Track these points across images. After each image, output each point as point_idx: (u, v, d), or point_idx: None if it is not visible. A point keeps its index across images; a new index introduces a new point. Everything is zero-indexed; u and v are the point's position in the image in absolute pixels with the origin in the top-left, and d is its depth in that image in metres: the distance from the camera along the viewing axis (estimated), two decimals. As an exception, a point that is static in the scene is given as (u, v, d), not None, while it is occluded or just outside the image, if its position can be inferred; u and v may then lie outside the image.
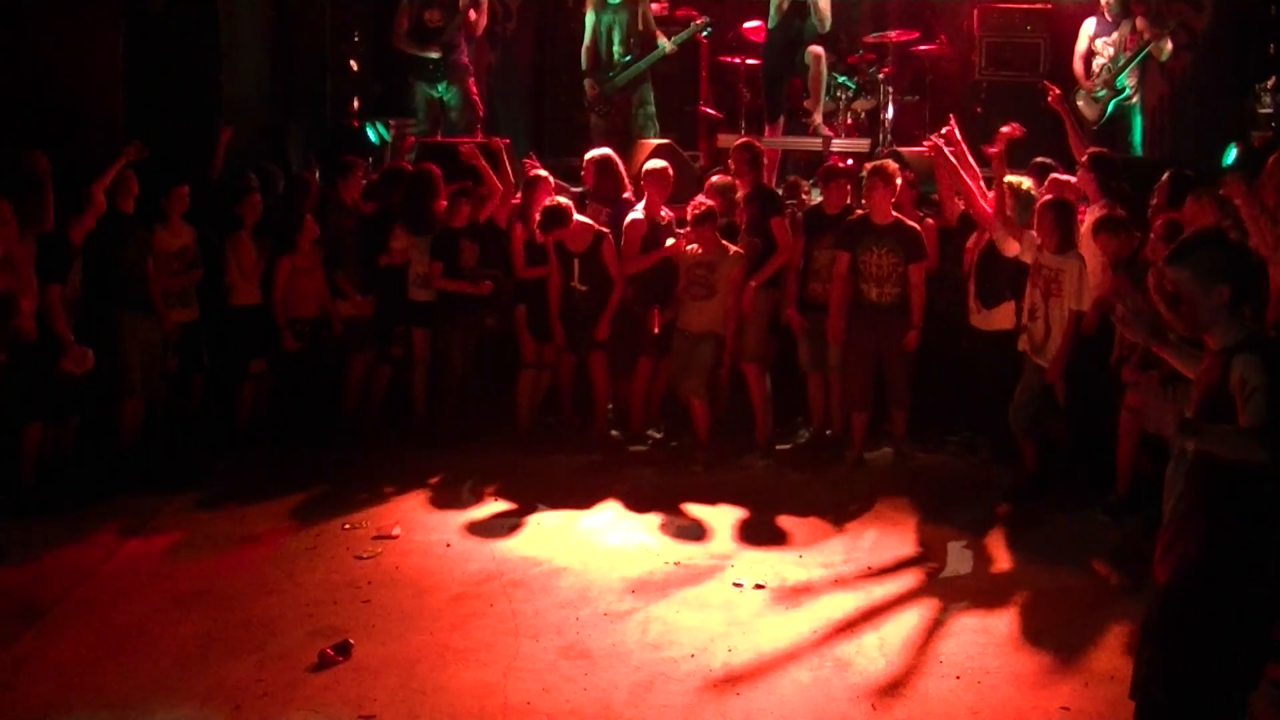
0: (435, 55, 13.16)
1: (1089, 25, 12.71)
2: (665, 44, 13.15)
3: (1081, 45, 12.69)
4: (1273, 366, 4.45)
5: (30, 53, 10.79)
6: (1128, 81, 12.29)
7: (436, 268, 10.15)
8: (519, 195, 10.59)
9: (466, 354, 10.38)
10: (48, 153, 8.96)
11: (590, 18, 13.24)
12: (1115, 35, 12.40)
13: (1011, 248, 9.22)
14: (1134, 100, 12.38)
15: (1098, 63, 12.50)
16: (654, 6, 14.35)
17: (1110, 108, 12.40)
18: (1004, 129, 10.11)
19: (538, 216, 10.11)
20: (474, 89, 13.44)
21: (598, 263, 10.04)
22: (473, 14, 13.39)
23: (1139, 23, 12.34)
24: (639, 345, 10.21)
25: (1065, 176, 9.72)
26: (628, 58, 13.15)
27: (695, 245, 9.89)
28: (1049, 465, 9.29)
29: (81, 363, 8.74)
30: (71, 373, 8.73)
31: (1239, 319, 4.62)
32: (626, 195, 10.58)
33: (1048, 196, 9.12)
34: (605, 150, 10.79)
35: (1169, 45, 12.27)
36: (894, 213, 9.71)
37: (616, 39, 13.16)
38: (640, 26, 13.11)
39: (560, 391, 10.67)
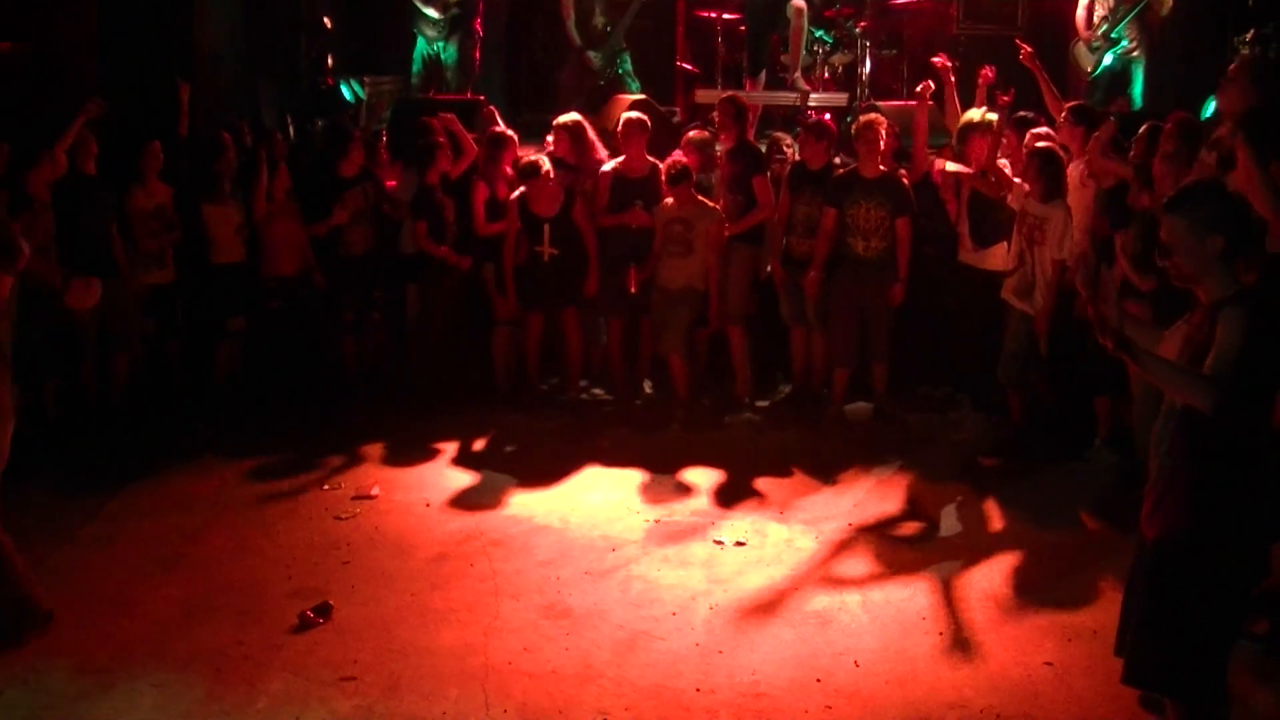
0: (435, 15, 13.09)
1: None
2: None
3: None
4: (1256, 323, 4.41)
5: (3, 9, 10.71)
6: (1126, 33, 12.21)
7: (421, 227, 10.10)
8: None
9: (449, 311, 10.36)
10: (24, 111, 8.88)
11: None
12: None
13: (992, 191, 9.28)
14: (1135, 53, 12.30)
15: (1098, 14, 12.43)
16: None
17: (1109, 59, 12.32)
18: (980, 80, 10.13)
19: (502, 174, 10.14)
20: (476, 53, 13.38)
21: (570, 226, 9.97)
22: None
23: None
24: (612, 304, 10.18)
25: (1044, 130, 9.67)
26: (609, 26, 13.13)
27: (669, 200, 9.86)
28: (1033, 418, 9.29)
29: (87, 294, 8.51)
30: (80, 308, 8.56)
31: (1231, 273, 4.58)
32: (600, 157, 10.47)
33: (1038, 145, 9.09)
34: (576, 116, 10.64)
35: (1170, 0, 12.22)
36: (881, 166, 9.67)
37: (598, 9, 13.10)
38: None
39: (526, 356, 10.48)
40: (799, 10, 12.83)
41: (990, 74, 10.40)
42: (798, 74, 13.12)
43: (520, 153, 10.49)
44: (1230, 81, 7.60)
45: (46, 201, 8.94)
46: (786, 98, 13.29)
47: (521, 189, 9.92)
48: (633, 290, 10.10)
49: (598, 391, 10.54)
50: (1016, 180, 9.16)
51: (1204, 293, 4.66)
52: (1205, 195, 4.70)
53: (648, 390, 10.60)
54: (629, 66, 13.38)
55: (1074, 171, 9.22)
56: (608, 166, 10.26)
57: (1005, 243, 9.46)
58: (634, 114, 10.36)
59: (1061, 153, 9.02)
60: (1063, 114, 9.61)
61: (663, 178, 9.94)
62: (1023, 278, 9.01)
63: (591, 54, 13.17)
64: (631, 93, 12.98)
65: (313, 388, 10.40)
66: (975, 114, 9.89)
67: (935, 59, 10.18)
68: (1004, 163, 9.49)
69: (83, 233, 9.28)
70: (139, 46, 11.23)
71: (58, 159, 9.03)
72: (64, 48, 10.92)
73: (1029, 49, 10.46)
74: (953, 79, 10.09)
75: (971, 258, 9.69)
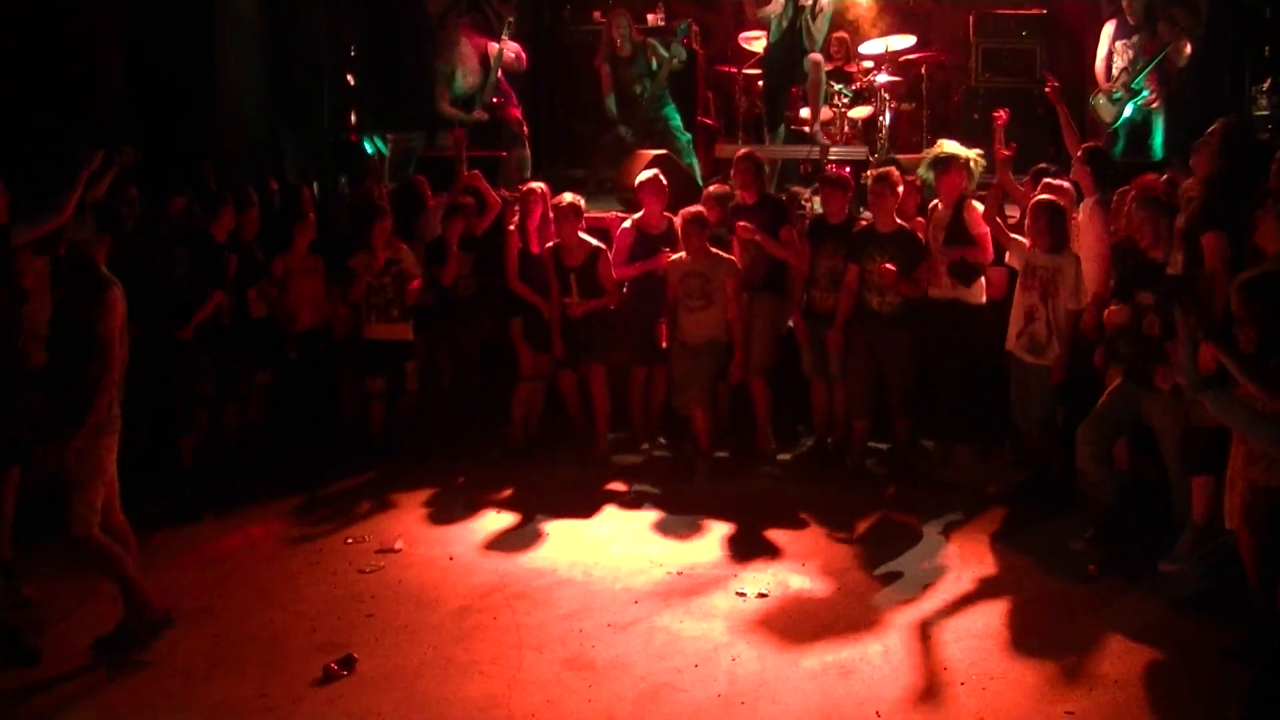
0: (481, 119, 13.24)
1: (1109, 28, 12.66)
2: (673, 55, 13.12)
3: (1103, 49, 12.65)
4: None
5: (36, 70, 10.84)
6: (1145, 84, 12.26)
7: (438, 270, 10.28)
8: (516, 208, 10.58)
9: (463, 366, 10.46)
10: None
11: (606, 69, 13.24)
12: (1136, 38, 12.37)
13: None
14: (1155, 104, 12.35)
15: (1117, 65, 12.49)
16: (650, 17, 14.46)
17: (1129, 110, 12.35)
18: (997, 122, 10.19)
19: (533, 229, 10.19)
20: (518, 114, 13.53)
21: (594, 278, 10.05)
22: (509, 55, 13.47)
23: (1160, 26, 12.33)
24: (636, 355, 10.24)
25: (1059, 181, 9.70)
26: (644, 92, 13.17)
27: (683, 254, 9.91)
28: (1061, 469, 9.24)
29: None
30: None
31: None
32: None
33: (1040, 197, 9.12)
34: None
35: (1188, 49, 12.26)
36: (897, 220, 9.70)
37: (639, 88, 13.14)
38: (654, 64, 13.11)
39: (567, 406, 10.60)
40: (816, 64, 12.90)
41: (1004, 116, 10.44)
42: (817, 127, 13.18)
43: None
44: (1203, 145, 7.70)
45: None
46: (807, 151, 13.34)
47: (552, 243, 10.08)
48: (664, 345, 10.16)
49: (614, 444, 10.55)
50: (1016, 237, 9.17)
51: None
52: None
53: (662, 441, 10.62)
54: (678, 121, 13.37)
55: (1084, 209, 9.31)
56: (627, 223, 10.37)
57: (983, 279, 9.58)
58: (652, 172, 10.43)
59: (1061, 203, 9.03)
60: (1078, 153, 9.65)
61: (678, 229, 10.00)
62: (1035, 335, 8.95)
63: (622, 128, 13.20)
64: (680, 144, 13.02)
65: (332, 440, 10.45)
66: (950, 146, 9.88)
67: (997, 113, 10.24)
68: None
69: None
70: (163, 103, 11.34)
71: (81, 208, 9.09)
72: (88, 104, 11.05)
73: (1056, 83, 10.44)
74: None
75: (942, 292, 9.75)
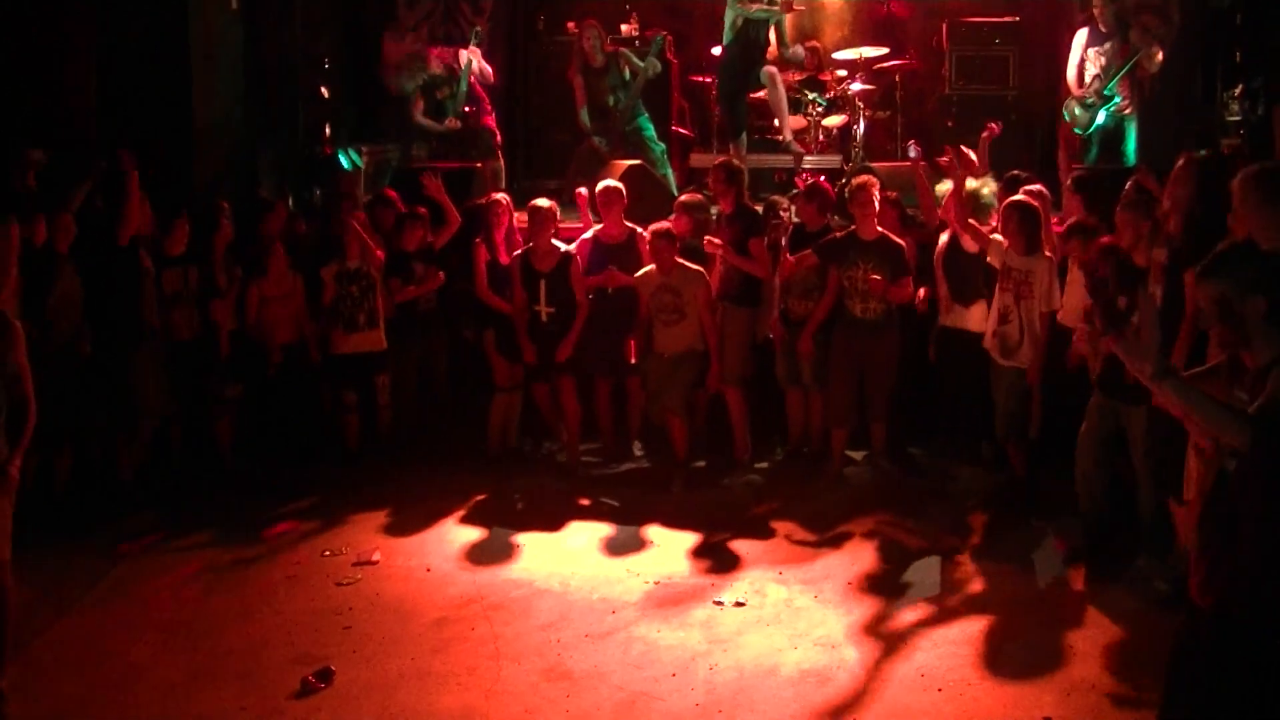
0: (455, 128, 13.28)
1: (1081, 36, 12.70)
2: (649, 67, 13.10)
3: (1075, 56, 12.69)
4: None
5: (5, 81, 10.84)
6: (1117, 90, 12.31)
7: (394, 284, 10.26)
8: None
9: (427, 379, 10.63)
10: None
11: (579, 81, 13.24)
12: (1108, 45, 12.42)
13: (971, 246, 9.36)
14: (1128, 110, 12.40)
15: (1089, 72, 12.53)
16: (625, 28, 14.46)
17: (1102, 116, 12.39)
18: (984, 133, 10.27)
19: (500, 240, 10.24)
20: (492, 123, 13.56)
21: (564, 284, 10.05)
22: (476, 67, 13.47)
23: (1131, 33, 12.38)
24: (599, 365, 10.27)
25: (1036, 186, 9.73)
26: (617, 104, 13.17)
27: (653, 268, 9.92)
28: (1034, 471, 9.27)
29: None
30: None
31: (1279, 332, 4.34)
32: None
33: (1013, 199, 9.14)
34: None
35: (1159, 55, 12.31)
36: (879, 228, 9.71)
37: (612, 99, 13.15)
38: (626, 75, 13.11)
39: (542, 414, 10.64)
40: (772, 76, 12.86)
41: (996, 129, 10.51)
42: (789, 135, 13.17)
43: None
44: (1179, 181, 7.72)
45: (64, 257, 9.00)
46: (780, 160, 13.36)
47: (523, 249, 10.07)
48: (633, 360, 10.15)
49: (591, 459, 10.55)
50: (996, 237, 9.20)
51: (1251, 358, 4.43)
52: (1241, 258, 4.47)
53: (638, 452, 10.64)
54: (652, 131, 13.35)
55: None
56: (587, 234, 10.37)
57: (984, 301, 9.54)
58: (610, 182, 10.43)
59: (1034, 204, 9.07)
60: (1067, 182, 9.70)
61: (645, 242, 9.99)
62: (1006, 336, 9.01)
63: (597, 139, 13.20)
64: (655, 154, 13.01)
65: (309, 453, 10.46)
66: (970, 183, 9.86)
67: (912, 153, 10.29)
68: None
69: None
70: (138, 116, 11.32)
71: (67, 223, 9.07)
72: (63, 118, 11.05)
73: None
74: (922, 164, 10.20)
75: (949, 319, 9.78)
